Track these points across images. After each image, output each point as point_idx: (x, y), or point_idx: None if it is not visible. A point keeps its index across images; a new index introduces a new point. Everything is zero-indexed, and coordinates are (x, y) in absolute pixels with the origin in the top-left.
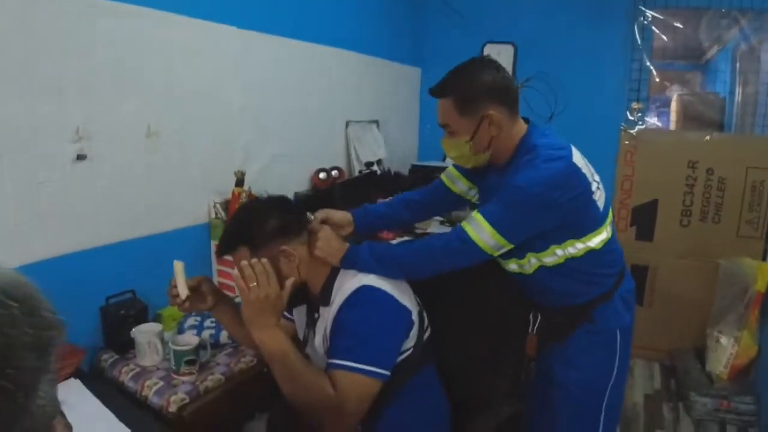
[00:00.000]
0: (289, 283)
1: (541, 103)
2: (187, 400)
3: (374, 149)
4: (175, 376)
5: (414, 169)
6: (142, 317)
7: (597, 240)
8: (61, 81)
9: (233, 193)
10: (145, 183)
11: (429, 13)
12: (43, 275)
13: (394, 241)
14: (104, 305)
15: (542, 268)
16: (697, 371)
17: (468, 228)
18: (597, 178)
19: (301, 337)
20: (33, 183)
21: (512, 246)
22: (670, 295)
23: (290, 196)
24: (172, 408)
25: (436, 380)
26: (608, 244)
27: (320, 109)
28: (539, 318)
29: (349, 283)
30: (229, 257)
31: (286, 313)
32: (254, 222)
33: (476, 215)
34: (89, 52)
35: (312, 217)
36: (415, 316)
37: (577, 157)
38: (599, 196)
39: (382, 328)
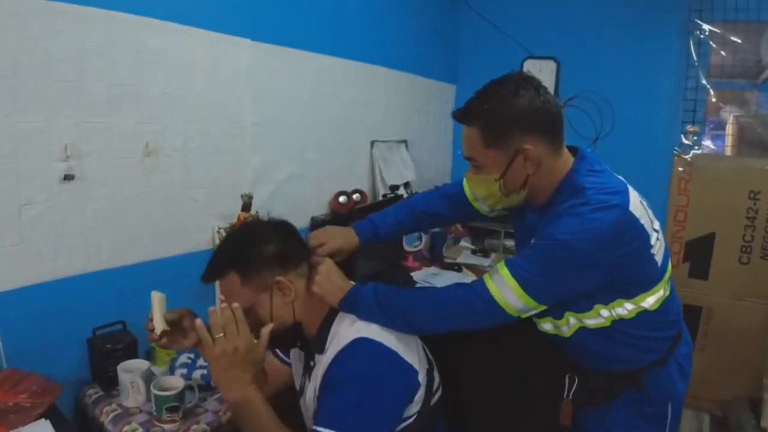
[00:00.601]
0: (265, 331)
1: (586, 125)
2: None
3: (401, 171)
4: (156, 423)
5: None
6: (131, 351)
7: (652, 300)
8: (47, 94)
9: (239, 218)
10: (141, 206)
11: (464, 26)
12: (25, 303)
13: (419, 272)
14: (91, 337)
15: (583, 330)
16: (751, 426)
17: (490, 285)
18: (657, 226)
19: (297, 386)
20: (15, 204)
21: (544, 308)
22: (725, 340)
23: (306, 221)
24: None
25: None
26: (665, 303)
27: (343, 127)
28: (576, 381)
29: (347, 331)
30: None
31: (282, 356)
32: (250, 244)
33: (502, 269)
34: (79, 63)
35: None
36: (422, 377)
37: (635, 203)
38: (658, 249)
39: (380, 390)
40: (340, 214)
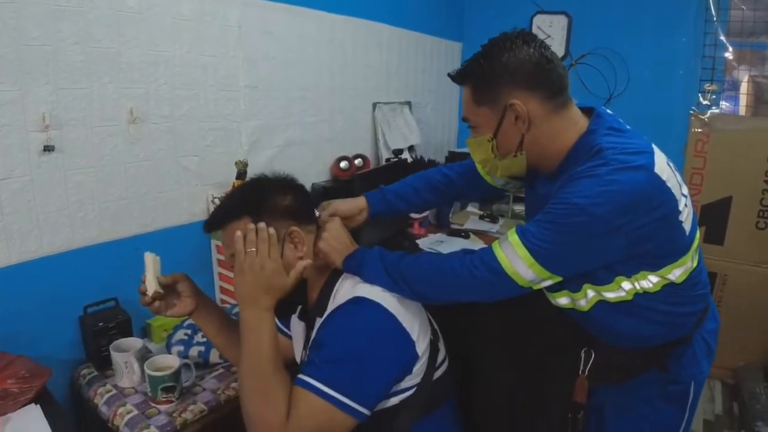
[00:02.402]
0: (301, 264)
1: (599, 83)
2: None
3: (405, 134)
4: (152, 404)
5: (451, 156)
6: (125, 329)
7: (678, 272)
8: (20, 59)
9: (233, 186)
10: (128, 177)
11: None
12: (11, 283)
13: (425, 239)
14: (82, 315)
15: (602, 304)
16: (765, 394)
17: (499, 253)
18: (685, 190)
19: (297, 358)
20: None
21: (559, 279)
22: (740, 307)
23: (308, 187)
24: None
25: (453, 425)
26: (692, 275)
27: (343, 88)
28: (593, 357)
29: (347, 292)
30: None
31: (282, 327)
32: (265, 193)
33: (512, 237)
34: (53, 24)
35: (319, 211)
36: (422, 348)
37: (662, 165)
38: (687, 216)
39: (370, 351)
40: (341, 180)
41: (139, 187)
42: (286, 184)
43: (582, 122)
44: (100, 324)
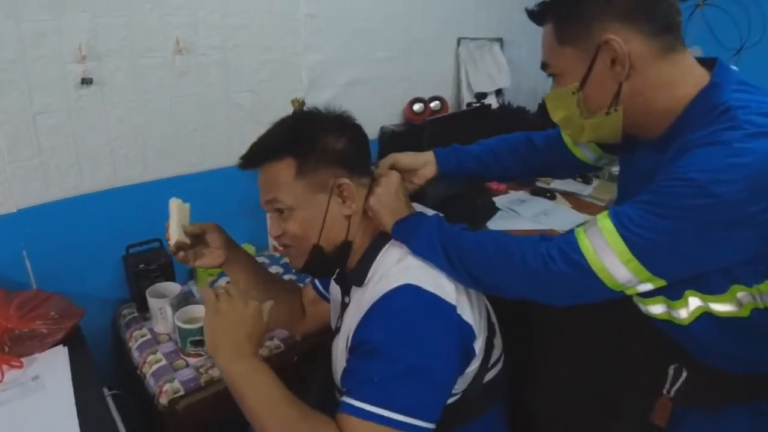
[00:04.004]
0: (266, 307)
1: (728, 30)
2: (182, 393)
3: (493, 76)
4: (182, 355)
5: (545, 106)
6: (167, 271)
7: None
8: None
9: None
10: (174, 113)
11: None
12: (51, 220)
13: (504, 197)
14: (125, 255)
15: (707, 317)
16: None
17: (584, 243)
18: None
19: (333, 325)
20: (27, 113)
21: (662, 283)
22: None
23: (373, 133)
24: (163, 400)
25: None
26: None
27: (423, 20)
28: (683, 375)
29: (393, 268)
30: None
31: (321, 288)
32: (316, 132)
33: (603, 221)
34: None
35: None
36: (480, 345)
37: None
38: None
39: (434, 360)
40: (414, 125)
41: (186, 124)
42: (341, 124)
43: (701, 73)
44: (141, 265)
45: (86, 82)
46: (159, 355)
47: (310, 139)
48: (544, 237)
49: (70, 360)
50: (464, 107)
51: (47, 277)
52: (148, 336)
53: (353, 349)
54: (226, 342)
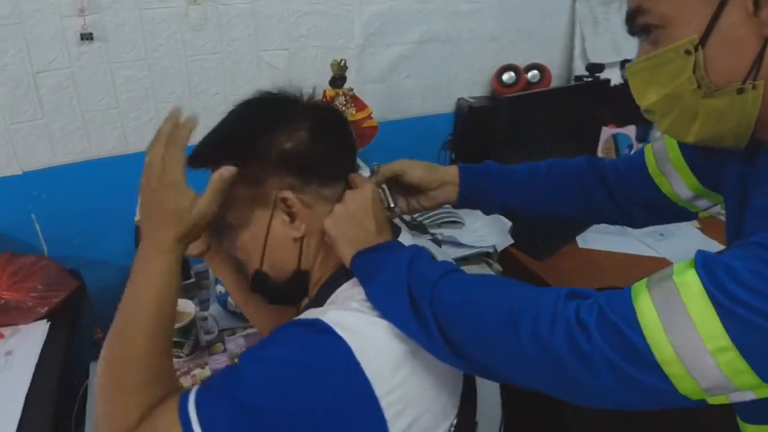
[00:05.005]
0: (216, 175)
1: None
2: None
3: (619, 43)
4: None
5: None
6: None
7: None
8: None
9: (324, 94)
10: (191, 73)
11: None
12: (59, 185)
13: None
14: (137, 226)
15: None
16: None
17: (645, 311)
18: None
19: None
20: (27, 71)
21: None
22: None
23: (448, 106)
24: None
25: None
26: None
27: None
28: None
29: (339, 305)
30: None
31: None
32: (261, 124)
33: (683, 274)
34: None
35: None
36: None
37: None
38: None
39: (291, 418)
40: (500, 99)
41: (206, 86)
42: (306, 116)
43: None
44: None
45: (86, 37)
46: None
47: (250, 136)
48: (577, 292)
49: (46, 340)
50: (572, 81)
51: (57, 241)
52: None
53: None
54: (142, 216)
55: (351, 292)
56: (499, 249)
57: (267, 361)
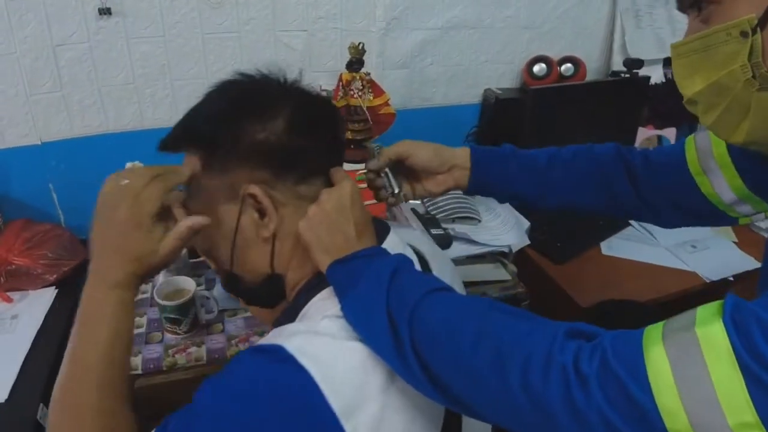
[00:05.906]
0: (185, 225)
1: None
2: (139, 371)
3: (662, 38)
4: (162, 326)
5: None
6: None
7: None
8: None
9: (340, 78)
10: (207, 51)
11: None
12: (76, 157)
13: None
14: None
15: None
16: None
17: (656, 365)
18: None
19: None
20: (47, 44)
21: None
22: None
23: (474, 96)
24: None
25: None
26: None
27: None
28: None
29: (307, 320)
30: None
31: None
32: (231, 110)
33: (707, 326)
34: None
35: (372, 147)
36: None
37: None
38: None
39: None
40: (530, 91)
41: (223, 64)
42: (286, 101)
43: None
44: None
45: (104, 12)
46: (144, 318)
47: (220, 123)
48: (578, 330)
49: (51, 306)
50: (608, 76)
51: (74, 211)
52: (147, 295)
53: None
54: (92, 253)
55: (326, 304)
56: (515, 249)
57: (219, 394)
